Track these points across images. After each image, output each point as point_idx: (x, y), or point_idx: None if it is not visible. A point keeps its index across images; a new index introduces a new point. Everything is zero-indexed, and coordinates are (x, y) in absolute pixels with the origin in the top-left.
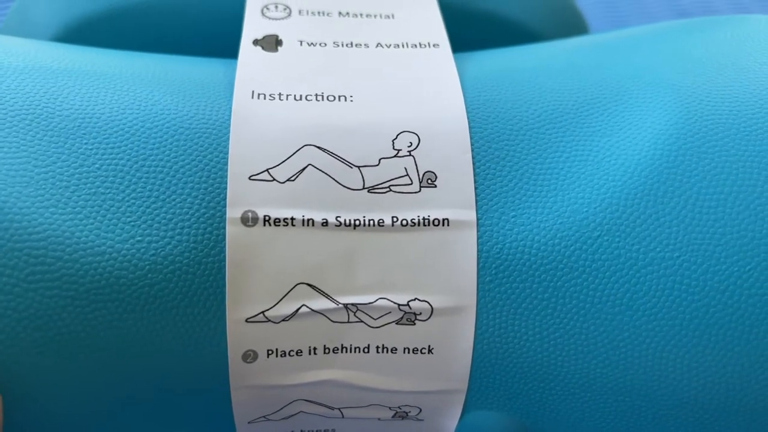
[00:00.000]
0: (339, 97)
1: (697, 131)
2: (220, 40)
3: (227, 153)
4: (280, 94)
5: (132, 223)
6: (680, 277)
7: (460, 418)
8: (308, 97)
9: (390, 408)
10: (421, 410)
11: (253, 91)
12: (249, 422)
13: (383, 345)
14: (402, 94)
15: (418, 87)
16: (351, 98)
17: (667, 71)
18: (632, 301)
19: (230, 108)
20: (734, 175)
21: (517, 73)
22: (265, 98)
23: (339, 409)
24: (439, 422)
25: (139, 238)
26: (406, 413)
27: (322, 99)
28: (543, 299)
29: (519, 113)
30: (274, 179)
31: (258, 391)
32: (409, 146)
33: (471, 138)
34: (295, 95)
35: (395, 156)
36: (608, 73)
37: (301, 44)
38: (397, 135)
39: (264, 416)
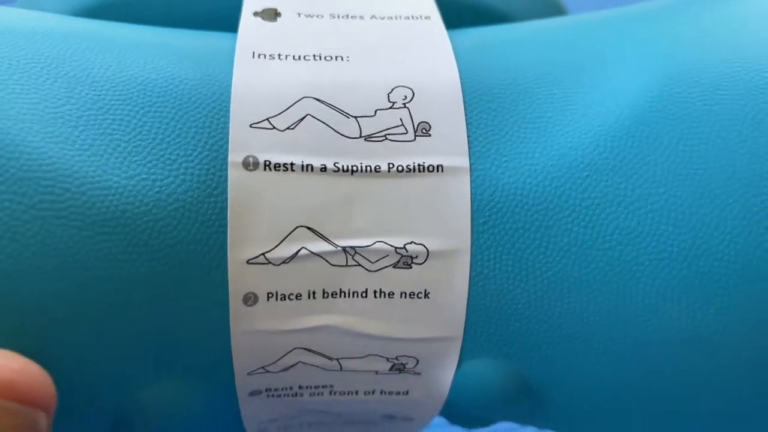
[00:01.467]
0: (336, 57)
1: (682, 76)
2: (227, 24)
3: (229, 104)
4: (279, 54)
5: (137, 163)
6: (667, 212)
7: (457, 369)
8: (306, 57)
9: (387, 359)
10: (418, 362)
11: (253, 52)
12: (248, 373)
13: (381, 290)
14: (396, 55)
15: (411, 50)
16: (347, 58)
17: (655, 33)
18: (621, 236)
19: (232, 67)
20: (717, 116)
21: (507, 43)
22: (265, 57)
23: (337, 360)
24: (436, 375)
25: (144, 176)
26: (404, 365)
27: (320, 59)
28: (535, 239)
29: (509, 73)
30: (274, 127)
31: (258, 337)
32: (404, 99)
33: (463, 92)
34: (294, 55)
35: (390, 108)
36: (596, 40)
37: (299, 15)
38: (392, 89)
39: (263, 367)
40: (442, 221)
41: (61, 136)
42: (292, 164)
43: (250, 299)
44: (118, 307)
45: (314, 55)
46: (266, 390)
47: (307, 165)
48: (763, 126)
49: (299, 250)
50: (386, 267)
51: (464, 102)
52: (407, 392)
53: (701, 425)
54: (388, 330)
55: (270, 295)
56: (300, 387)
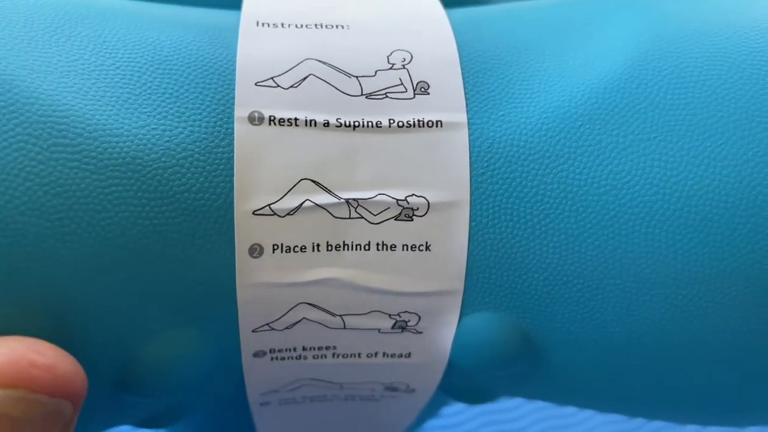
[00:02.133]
0: (337, 25)
1: (670, 30)
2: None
3: (235, 66)
4: (282, 23)
5: (147, 114)
6: (659, 155)
7: (458, 324)
8: (308, 26)
9: (390, 316)
10: (420, 318)
11: (257, 21)
12: (253, 330)
13: (383, 242)
14: (395, 24)
15: (410, 19)
16: (348, 26)
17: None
18: (615, 180)
19: (237, 35)
20: (704, 66)
21: (499, 16)
22: (268, 26)
23: (341, 316)
24: (438, 332)
25: (154, 126)
26: (406, 322)
27: (321, 27)
28: (532, 187)
29: (502, 38)
30: (278, 86)
31: (263, 290)
32: (402, 61)
33: (459, 55)
34: (296, 24)
35: (390, 68)
36: (586, 5)
37: None
38: (392, 52)
39: (268, 324)
40: (441, 173)
41: (74, 87)
42: (296, 119)
43: (255, 250)
44: (125, 251)
45: (316, 24)
46: (270, 351)
47: (311, 120)
48: (747, 73)
49: (303, 202)
50: (388, 219)
51: (461, 63)
52: (409, 354)
53: (699, 387)
54: (390, 283)
55: (275, 247)
56: (304, 348)
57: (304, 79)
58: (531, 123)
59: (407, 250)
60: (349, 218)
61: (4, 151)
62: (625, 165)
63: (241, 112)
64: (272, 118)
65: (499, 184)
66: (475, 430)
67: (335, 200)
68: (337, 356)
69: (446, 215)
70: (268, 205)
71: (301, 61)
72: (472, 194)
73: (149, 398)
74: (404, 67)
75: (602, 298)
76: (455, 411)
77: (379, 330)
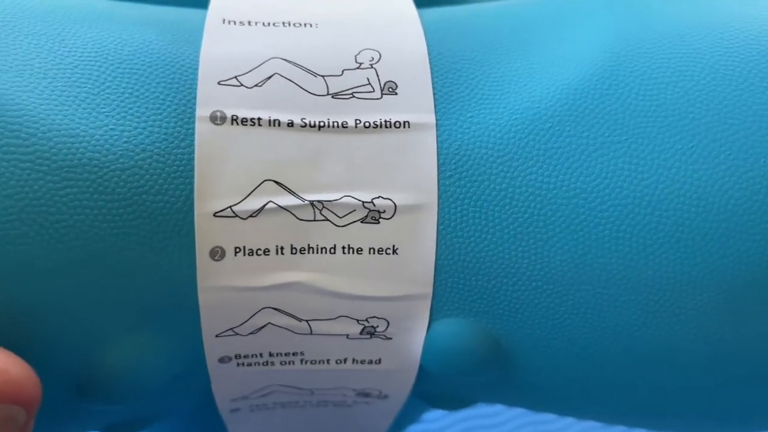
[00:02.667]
0: (304, 24)
1: (641, 32)
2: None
3: (198, 65)
4: (249, 21)
5: (105, 114)
6: (629, 158)
7: (428, 329)
8: (275, 24)
9: (358, 321)
10: (388, 324)
11: (223, 18)
12: (217, 335)
13: (349, 245)
14: (363, 23)
15: (379, 18)
16: (315, 25)
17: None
18: (585, 184)
19: (202, 33)
20: (676, 68)
21: (470, 16)
22: (234, 24)
23: (307, 321)
24: (407, 338)
25: (113, 127)
26: (374, 328)
27: (288, 25)
28: (500, 189)
29: (472, 39)
30: (242, 84)
31: (225, 294)
32: (371, 60)
33: (429, 54)
34: (263, 22)
35: (357, 68)
36: (555, 6)
37: None
38: (359, 51)
39: (232, 329)
40: (409, 176)
41: (29, 86)
42: (259, 119)
43: (217, 253)
44: (81, 254)
45: (283, 22)
46: (236, 357)
47: (275, 120)
48: (720, 74)
49: (266, 204)
50: (354, 222)
51: (430, 63)
52: (379, 360)
53: (672, 394)
54: (357, 287)
55: (237, 250)
56: (270, 354)
57: (269, 78)
58: (500, 125)
59: (374, 253)
60: (314, 220)
61: None
62: (594, 168)
63: (202, 111)
64: (235, 117)
65: (467, 187)
66: None
67: (299, 202)
68: (306, 362)
69: (413, 218)
70: (230, 207)
71: (267, 60)
72: (440, 197)
73: (112, 406)
74: (372, 67)
75: (572, 303)
76: (436, 416)
77: (347, 336)
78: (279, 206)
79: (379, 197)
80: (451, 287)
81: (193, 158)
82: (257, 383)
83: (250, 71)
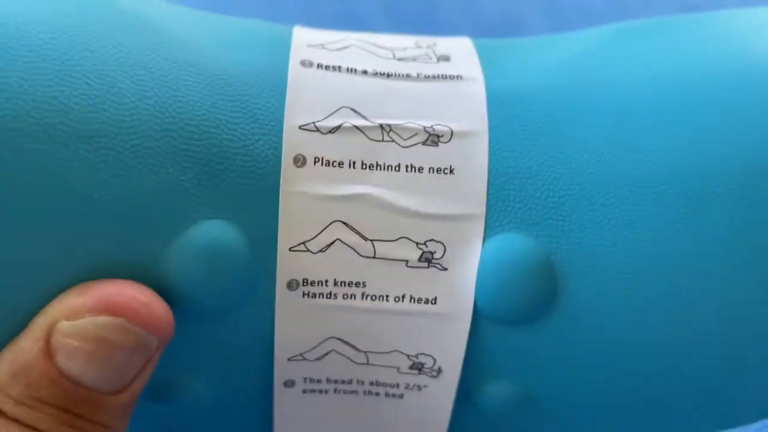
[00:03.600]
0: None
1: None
2: None
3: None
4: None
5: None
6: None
7: (482, 251)
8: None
9: (417, 245)
10: (445, 250)
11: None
12: (290, 249)
13: (411, 164)
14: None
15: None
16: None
17: None
18: (619, 102)
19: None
20: (671, 41)
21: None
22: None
23: (372, 241)
24: (462, 269)
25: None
26: (432, 254)
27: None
28: (545, 120)
29: (503, 42)
30: (325, 48)
31: (303, 201)
32: (429, 44)
33: (476, 49)
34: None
35: (417, 47)
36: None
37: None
38: (418, 39)
39: (304, 243)
40: (462, 109)
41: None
42: (339, 66)
43: (299, 160)
44: (182, 128)
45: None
46: (303, 283)
47: (352, 68)
48: (710, 42)
49: (343, 123)
50: (416, 144)
51: (476, 52)
52: (435, 300)
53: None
54: (418, 204)
55: (316, 160)
56: (335, 283)
57: (347, 47)
58: (537, 69)
59: (433, 172)
60: (382, 141)
61: None
62: (623, 89)
63: (294, 59)
64: (320, 64)
65: (512, 116)
66: None
67: (370, 124)
68: (366, 297)
69: (468, 143)
70: (313, 122)
71: (344, 40)
72: (489, 125)
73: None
74: (429, 47)
75: (611, 211)
76: None
77: (407, 263)
78: (353, 126)
79: (438, 124)
80: (503, 201)
81: (286, 84)
82: (318, 328)
83: (331, 43)
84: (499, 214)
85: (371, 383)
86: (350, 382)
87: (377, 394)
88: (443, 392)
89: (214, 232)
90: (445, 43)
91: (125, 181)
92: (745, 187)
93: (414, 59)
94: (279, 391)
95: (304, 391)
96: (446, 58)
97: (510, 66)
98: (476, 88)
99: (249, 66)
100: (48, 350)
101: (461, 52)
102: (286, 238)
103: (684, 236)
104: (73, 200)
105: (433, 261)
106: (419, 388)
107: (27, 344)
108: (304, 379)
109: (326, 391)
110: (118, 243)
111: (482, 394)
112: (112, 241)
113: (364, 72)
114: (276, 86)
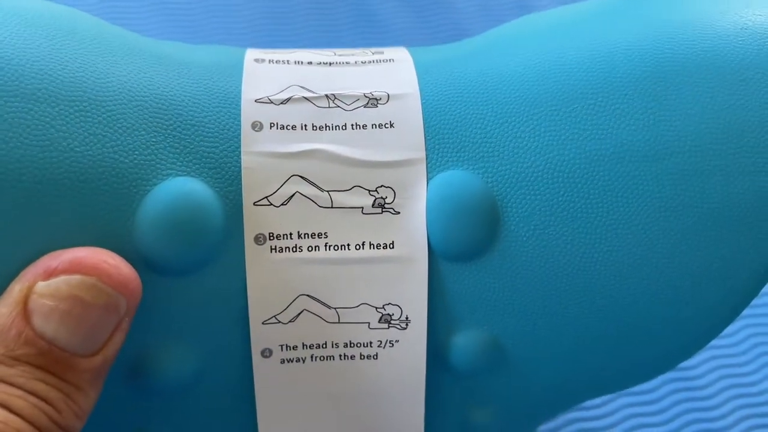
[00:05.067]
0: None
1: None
2: None
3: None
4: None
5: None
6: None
7: (427, 190)
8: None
9: (369, 192)
10: (395, 195)
11: (255, 58)
12: (254, 203)
13: (356, 123)
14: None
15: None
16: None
17: None
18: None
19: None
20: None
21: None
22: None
23: (328, 192)
24: (413, 210)
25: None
26: (383, 199)
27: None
28: (467, 75)
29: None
30: (275, 54)
31: (262, 159)
32: (366, 51)
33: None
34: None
35: (353, 51)
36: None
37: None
38: (357, 49)
39: (266, 197)
40: (396, 79)
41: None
42: (288, 60)
43: (256, 126)
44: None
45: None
46: (269, 237)
47: (299, 61)
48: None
49: (293, 96)
50: (359, 107)
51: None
52: (393, 245)
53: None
54: (365, 154)
55: (272, 125)
56: (299, 236)
57: (293, 53)
58: (453, 50)
59: (375, 127)
60: (328, 108)
61: None
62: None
63: (248, 57)
64: (271, 60)
65: (439, 80)
66: None
67: (317, 95)
68: (329, 248)
69: (404, 102)
70: (267, 96)
71: (292, 51)
72: (420, 89)
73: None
74: (365, 50)
75: (528, 129)
76: None
77: (362, 209)
78: (302, 97)
79: (375, 90)
80: (439, 149)
81: (242, 74)
82: (289, 286)
83: (280, 52)
84: (437, 156)
85: (345, 345)
86: (325, 345)
87: (352, 357)
88: (414, 347)
89: (187, 184)
90: (380, 48)
91: (102, 139)
92: (636, 94)
93: (352, 55)
94: (257, 361)
95: (282, 361)
96: (380, 53)
97: (433, 53)
98: (406, 65)
99: (209, 62)
100: (25, 312)
101: (393, 49)
102: (250, 192)
103: (593, 139)
104: (55, 152)
105: (386, 206)
106: (391, 344)
107: (4, 308)
108: (281, 347)
109: (303, 359)
110: (98, 195)
111: (452, 348)
112: (93, 194)
113: (309, 63)
114: (233, 75)
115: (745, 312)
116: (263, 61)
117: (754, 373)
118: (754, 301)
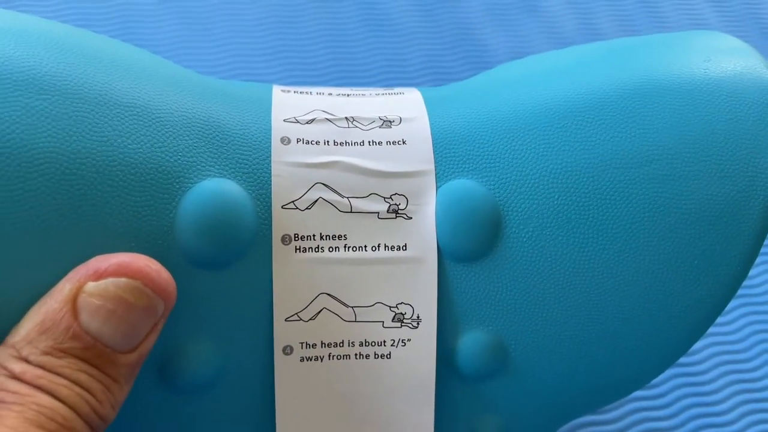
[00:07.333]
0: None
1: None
2: None
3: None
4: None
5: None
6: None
7: (437, 196)
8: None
9: (384, 199)
10: (407, 201)
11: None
12: (282, 207)
13: (372, 140)
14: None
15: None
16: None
17: None
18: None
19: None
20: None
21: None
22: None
23: (348, 198)
24: (424, 215)
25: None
26: (397, 205)
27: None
28: (470, 97)
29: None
30: (298, 88)
31: (290, 169)
32: (383, 91)
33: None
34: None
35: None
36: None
37: None
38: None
39: (293, 202)
40: (407, 106)
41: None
42: (310, 92)
43: (285, 140)
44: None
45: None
46: (295, 238)
47: (319, 92)
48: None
49: (317, 117)
50: (375, 127)
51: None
52: (405, 247)
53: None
54: (380, 166)
55: (299, 140)
56: (321, 237)
57: (311, 91)
58: (459, 86)
59: (390, 144)
60: (348, 128)
61: None
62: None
63: (276, 90)
64: (296, 91)
65: (445, 103)
66: None
67: (337, 117)
68: (348, 249)
69: (413, 123)
70: (294, 117)
71: (309, 89)
72: (428, 113)
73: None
74: (375, 90)
75: (526, 139)
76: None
77: (378, 214)
78: (324, 118)
79: (389, 114)
80: (446, 161)
81: (271, 102)
82: (311, 284)
83: (301, 90)
84: (444, 167)
85: (360, 344)
86: (342, 344)
87: (367, 356)
88: (425, 346)
89: (224, 184)
90: (391, 88)
91: (151, 140)
92: (618, 110)
93: (367, 90)
94: (279, 358)
95: (302, 359)
96: (390, 88)
97: (439, 90)
98: (415, 96)
99: (242, 92)
100: (74, 309)
101: (405, 88)
102: (278, 197)
103: (582, 150)
104: (110, 147)
105: (399, 211)
106: (403, 343)
107: (56, 305)
108: (302, 345)
109: (321, 358)
110: (145, 188)
111: (458, 350)
112: (140, 187)
113: (330, 94)
114: (263, 101)
115: (748, 308)
116: (289, 91)
117: (757, 369)
118: (757, 297)
